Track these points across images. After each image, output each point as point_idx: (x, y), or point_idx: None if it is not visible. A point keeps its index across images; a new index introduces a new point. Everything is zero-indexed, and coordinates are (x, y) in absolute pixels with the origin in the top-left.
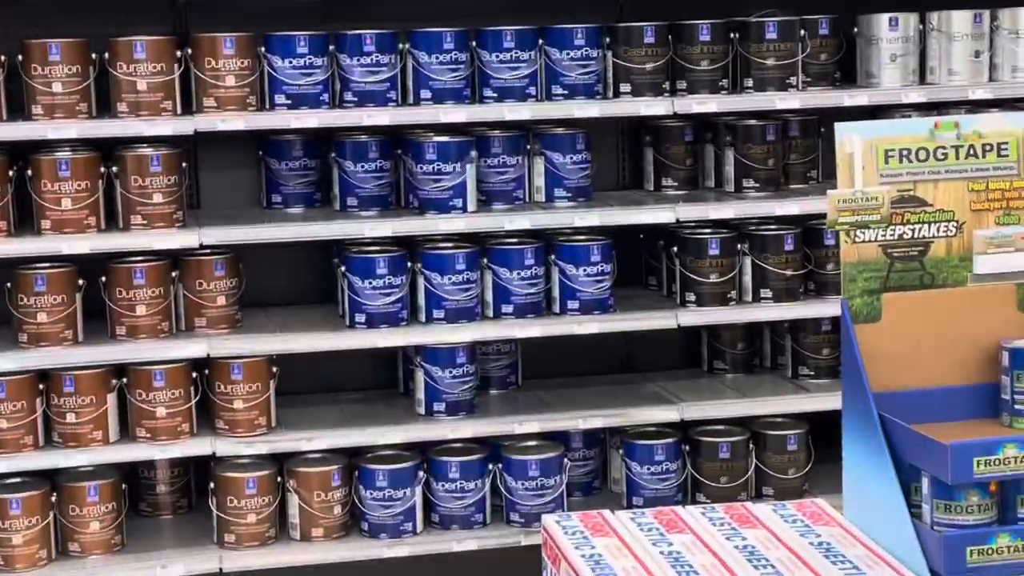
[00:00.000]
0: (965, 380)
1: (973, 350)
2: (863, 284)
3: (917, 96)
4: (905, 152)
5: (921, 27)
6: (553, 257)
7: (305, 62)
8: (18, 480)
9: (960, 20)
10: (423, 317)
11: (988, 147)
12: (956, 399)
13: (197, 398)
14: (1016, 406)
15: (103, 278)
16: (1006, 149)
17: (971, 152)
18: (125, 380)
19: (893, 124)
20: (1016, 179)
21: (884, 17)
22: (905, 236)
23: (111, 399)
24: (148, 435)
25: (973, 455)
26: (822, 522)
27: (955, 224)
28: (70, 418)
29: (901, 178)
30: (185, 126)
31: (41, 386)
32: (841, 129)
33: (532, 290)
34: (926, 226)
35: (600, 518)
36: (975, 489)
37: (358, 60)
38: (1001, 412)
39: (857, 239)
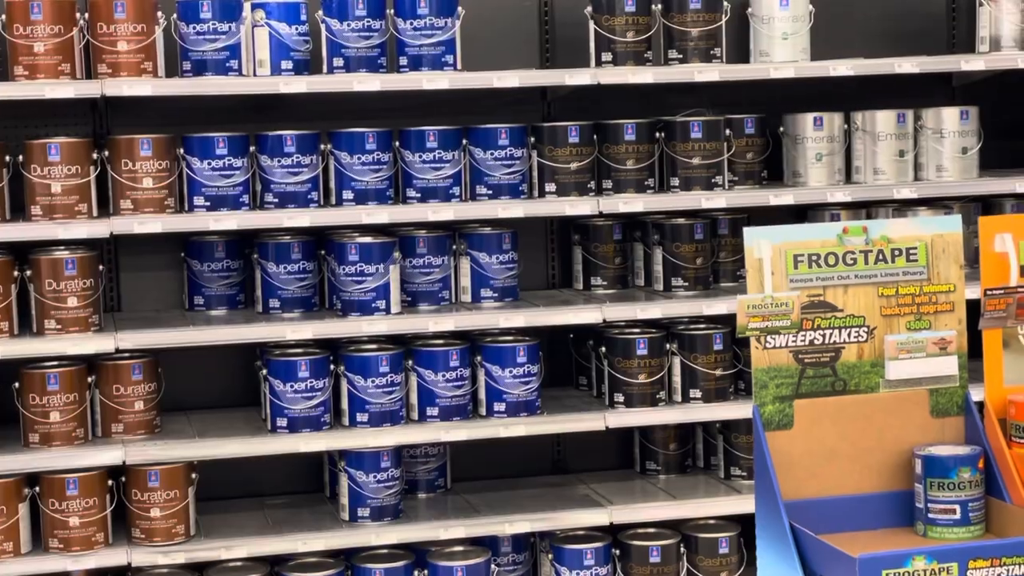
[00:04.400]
0: (879, 488)
1: (886, 457)
2: (775, 391)
3: (843, 195)
4: (814, 257)
5: (846, 127)
6: (479, 359)
7: (224, 163)
8: None
9: (884, 120)
10: (347, 420)
11: (897, 252)
12: (870, 507)
13: (112, 506)
14: (930, 515)
15: (16, 384)
16: (915, 254)
17: (880, 257)
18: (38, 489)
19: (802, 229)
20: (926, 284)
21: (809, 117)
22: (816, 342)
23: (23, 509)
24: (61, 546)
25: (882, 568)
26: None
27: (866, 329)
28: None
29: (811, 283)
30: (101, 229)
31: None
32: (750, 235)
33: (458, 392)
34: (837, 331)
35: None
36: None
37: (279, 161)
38: (916, 521)
39: (768, 345)
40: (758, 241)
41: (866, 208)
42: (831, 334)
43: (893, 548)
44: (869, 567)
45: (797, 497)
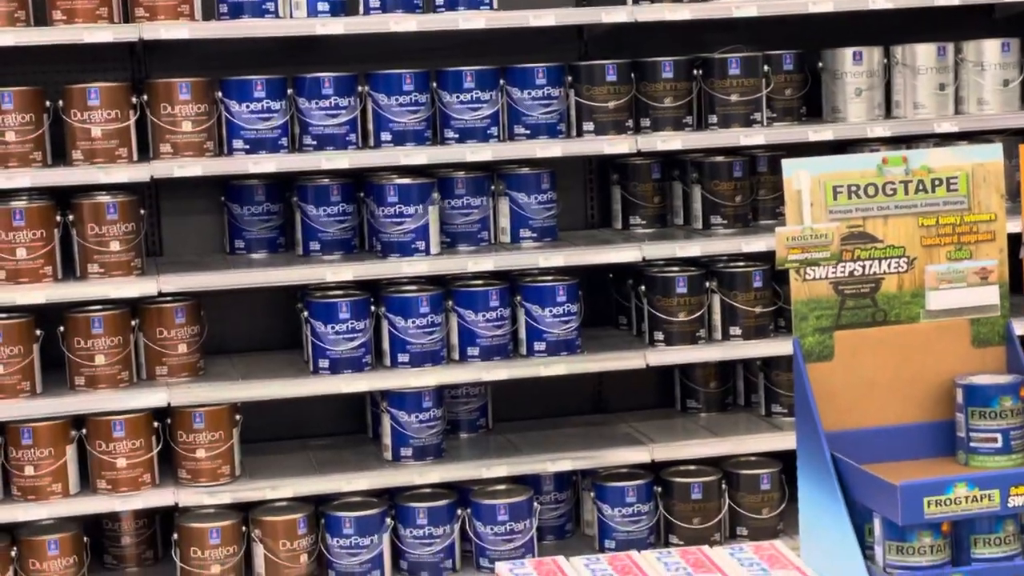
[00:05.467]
0: (919, 418)
1: (927, 387)
2: (815, 322)
3: (883, 130)
4: (854, 188)
5: (885, 61)
6: (519, 298)
7: (263, 106)
8: None
9: (924, 53)
10: (388, 361)
11: (937, 182)
12: (911, 437)
13: (159, 448)
14: (971, 444)
15: (61, 328)
16: (955, 183)
17: (920, 187)
18: (84, 431)
19: (841, 160)
20: (967, 213)
21: (848, 52)
22: (856, 273)
23: (70, 451)
24: (109, 487)
25: (924, 495)
26: (779, 566)
27: (906, 260)
28: (28, 471)
29: (850, 214)
30: (141, 173)
31: None
32: (789, 166)
33: (498, 332)
34: (877, 262)
35: (554, 565)
36: (927, 530)
37: (316, 103)
38: (957, 450)
39: (807, 277)
40: (797, 172)
41: (906, 143)
42: (871, 265)
43: (935, 476)
44: (911, 495)
45: (838, 428)
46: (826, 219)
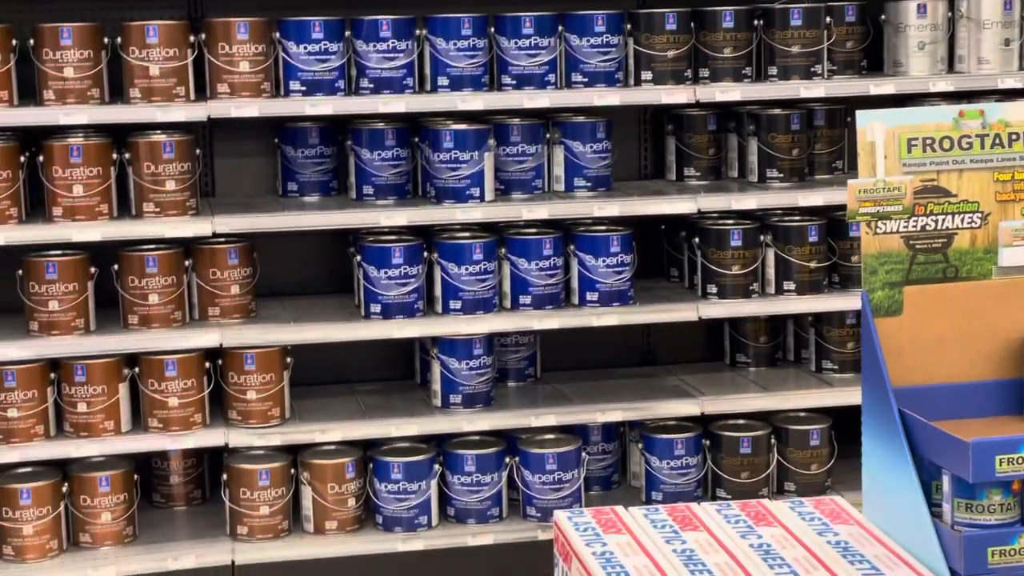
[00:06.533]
0: (989, 375)
1: (997, 345)
2: (884, 276)
3: (945, 85)
4: (929, 141)
5: (950, 14)
6: (572, 248)
7: (320, 48)
8: (28, 470)
9: (990, 7)
10: (440, 308)
11: (1014, 136)
12: (979, 395)
13: (210, 388)
14: None
15: (115, 266)
16: None
17: (997, 141)
18: (137, 370)
19: (916, 112)
20: None
21: (912, 4)
22: (928, 227)
23: (123, 389)
24: (160, 425)
25: (995, 453)
26: (840, 520)
27: (980, 215)
28: (81, 408)
29: (924, 168)
30: (198, 112)
31: (52, 375)
32: (863, 117)
33: (551, 281)
34: (950, 217)
35: (613, 515)
36: (997, 488)
37: (374, 46)
38: None
39: (878, 230)
40: (871, 124)
41: (968, 98)
42: (944, 220)
43: (1005, 435)
44: (982, 451)
45: (905, 384)
46: (899, 172)
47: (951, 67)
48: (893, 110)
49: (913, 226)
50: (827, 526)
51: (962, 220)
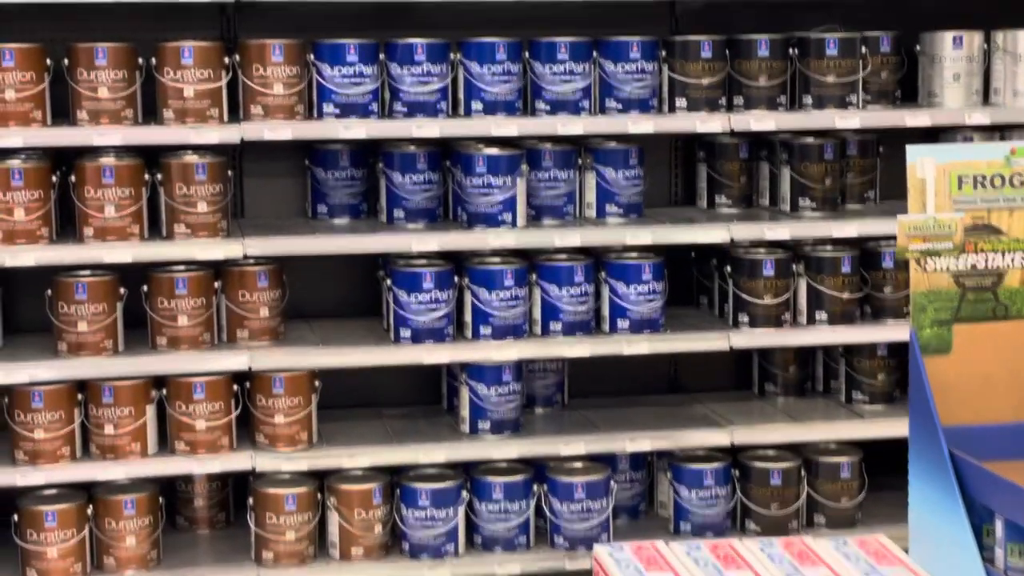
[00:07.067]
0: None
1: None
2: (933, 314)
3: (981, 117)
4: (980, 178)
5: (986, 46)
6: (603, 275)
7: (355, 71)
8: (54, 492)
9: None
10: (469, 333)
11: None
12: None
13: (238, 411)
14: None
15: (145, 287)
16: None
17: None
18: (165, 392)
19: (967, 148)
20: None
21: (948, 35)
22: (978, 265)
23: (150, 411)
24: (187, 448)
25: None
26: (886, 562)
27: None
28: (108, 429)
29: (975, 205)
30: (232, 134)
31: (79, 396)
32: (913, 152)
33: (581, 308)
34: (1000, 255)
35: (654, 550)
36: None
37: (408, 69)
38: None
39: (928, 267)
40: (922, 160)
41: (1003, 131)
42: (994, 258)
43: None
44: None
45: (952, 423)
46: (950, 209)
47: (986, 99)
48: (944, 145)
49: (963, 264)
50: (873, 568)
51: (1013, 259)
